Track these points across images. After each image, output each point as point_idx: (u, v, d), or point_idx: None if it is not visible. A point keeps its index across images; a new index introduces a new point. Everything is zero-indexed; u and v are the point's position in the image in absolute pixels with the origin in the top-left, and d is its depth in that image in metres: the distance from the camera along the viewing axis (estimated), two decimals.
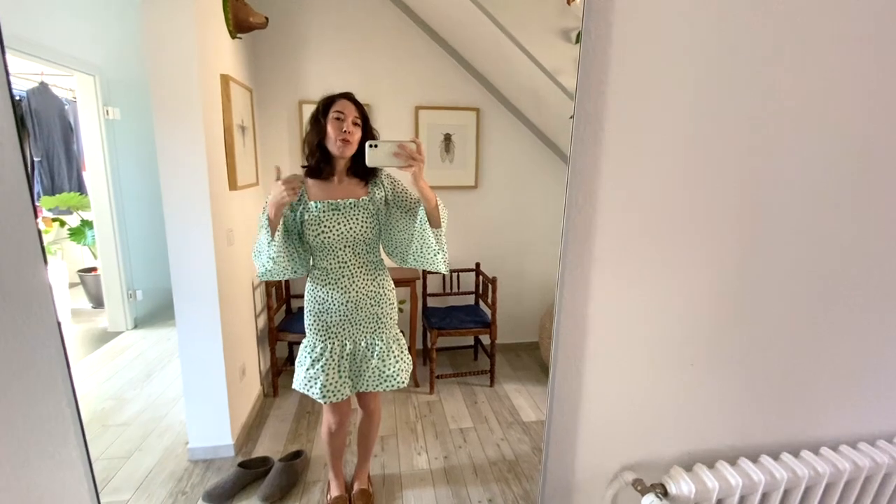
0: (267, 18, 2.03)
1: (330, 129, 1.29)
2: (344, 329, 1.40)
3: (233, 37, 1.95)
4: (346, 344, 1.40)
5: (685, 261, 0.85)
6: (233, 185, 1.91)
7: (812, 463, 0.95)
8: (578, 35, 1.93)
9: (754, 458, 0.95)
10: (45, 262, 0.57)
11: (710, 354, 0.92)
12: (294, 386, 1.42)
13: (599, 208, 0.79)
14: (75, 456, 0.67)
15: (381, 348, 1.43)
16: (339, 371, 1.39)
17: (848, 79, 0.83)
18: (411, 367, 1.50)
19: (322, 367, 1.38)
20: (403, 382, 1.45)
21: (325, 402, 1.39)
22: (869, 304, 0.97)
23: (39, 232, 0.56)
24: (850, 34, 0.81)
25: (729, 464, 0.93)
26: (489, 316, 2.46)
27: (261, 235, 1.28)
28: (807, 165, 0.85)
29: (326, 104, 1.31)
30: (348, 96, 1.32)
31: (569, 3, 2.32)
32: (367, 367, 1.43)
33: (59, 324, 0.60)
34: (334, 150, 1.31)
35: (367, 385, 1.43)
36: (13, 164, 0.56)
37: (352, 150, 1.31)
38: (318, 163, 1.34)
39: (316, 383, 1.38)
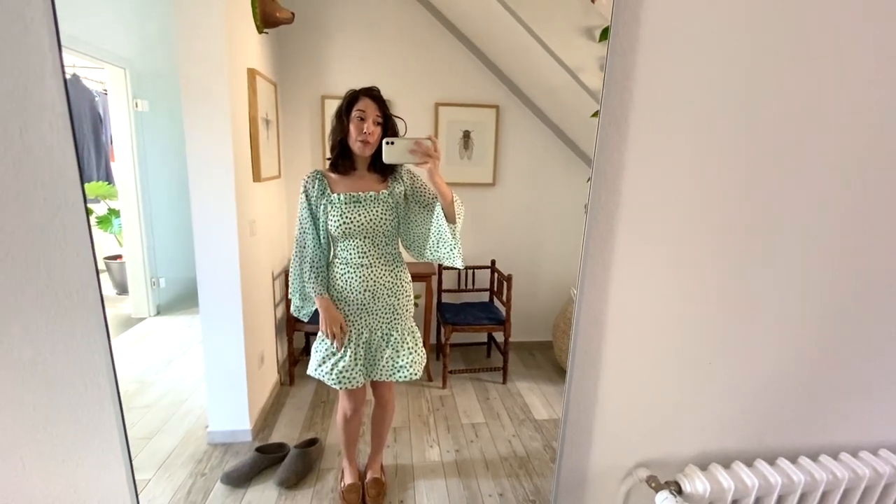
0: (293, 14, 2.06)
1: (352, 128, 1.32)
2: (361, 318, 1.43)
3: (260, 31, 1.99)
4: (362, 332, 1.43)
5: (706, 261, 0.85)
6: (256, 177, 1.95)
7: (831, 467, 0.94)
8: (602, 33, 1.92)
9: (771, 461, 0.95)
10: (92, 241, 0.60)
11: (728, 354, 0.92)
12: (309, 372, 1.45)
13: (622, 205, 0.79)
14: (111, 427, 0.71)
15: (395, 339, 1.46)
16: (354, 358, 1.42)
17: (882, 84, 0.82)
18: (425, 360, 1.53)
19: (338, 354, 1.41)
20: (416, 374, 1.48)
21: (339, 388, 1.43)
22: (893, 307, 0.95)
23: (87, 210, 0.59)
24: (887, 38, 0.80)
25: (745, 465, 0.93)
26: (503, 313, 2.46)
27: (302, 290, 1.47)
28: (835, 168, 0.84)
29: (349, 102, 1.33)
30: (371, 94, 1.34)
31: (592, 0, 2.30)
32: (382, 357, 1.45)
33: (102, 301, 0.63)
34: (355, 149, 1.35)
35: (381, 374, 1.46)
36: (63, 146, 0.59)
37: (372, 149, 1.35)
38: (341, 158, 1.38)
39: (332, 370, 1.41)
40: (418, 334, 1.54)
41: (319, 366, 1.44)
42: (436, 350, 2.76)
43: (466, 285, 2.74)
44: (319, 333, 1.47)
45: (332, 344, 1.42)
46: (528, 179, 2.74)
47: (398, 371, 1.46)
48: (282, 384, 2.38)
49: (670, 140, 0.78)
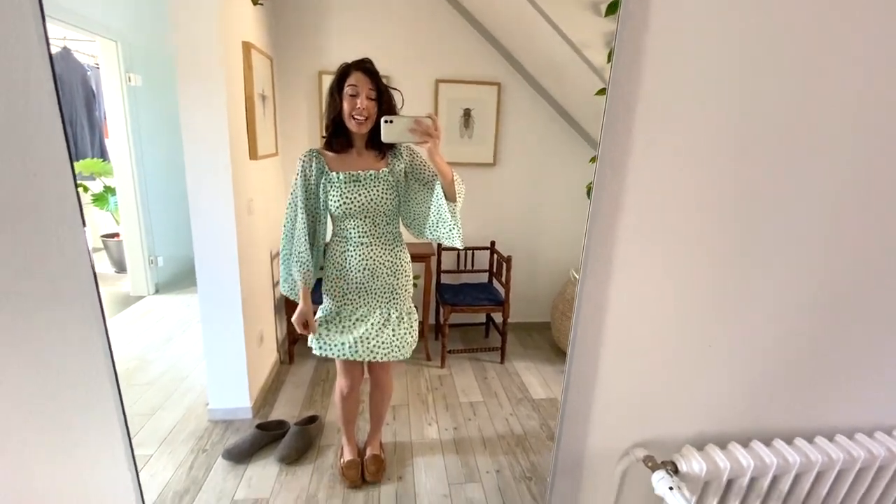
0: None
1: (345, 105, 1.28)
2: (360, 297, 1.42)
3: (254, 3, 1.92)
4: (358, 309, 1.43)
5: (707, 243, 0.84)
6: (253, 154, 1.92)
7: (826, 449, 0.95)
8: (609, 7, 1.86)
9: (767, 442, 0.96)
10: (83, 221, 0.59)
11: (727, 337, 0.91)
12: (309, 343, 1.46)
13: (626, 187, 0.77)
14: (110, 405, 0.71)
15: (394, 318, 1.45)
16: (353, 334, 1.43)
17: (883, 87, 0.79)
18: (416, 342, 1.53)
19: (339, 329, 1.43)
20: (407, 354, 1.49)
21: (340, 357, 1.44)
22: (890, 293, 0.94)
23: (77, 190, 0.58)
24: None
25: (741, 446, 0.94)
26: (502, 294, 2.47)
27: (290, 278, 1.45)
28: (841, 159, 0.83)
29: (341, 77, 1.29)
30: (363, 67, 1.28)
31: None
32: (380, 336, 1.45)
33: (96, 282, 0.62)
34: (350, 127, 1.31)
35: (377, 354, 1.45)
36: (51, 121, 0.57)
37: (368, 126, 1.31)
38: (336, 136, 1.35)
39: (331, 343, 1.43)
40: (415, 315, 1.53)
41: (318, 340, 1.45)
42: (435, 330, 2.78)
43: (466, 266, 2.74)
44: (320, 308, 1.47)
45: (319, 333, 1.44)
46: (529, 159, 2.70)
47: (394, 351, 1.46)
48: (281, 362, 2.40)
49: (680, 122, 0.75)
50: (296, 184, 1.36)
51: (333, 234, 1.43)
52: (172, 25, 1.54)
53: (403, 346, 1.47)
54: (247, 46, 1.80)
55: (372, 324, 1.45)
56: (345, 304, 1.43)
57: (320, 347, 1.44)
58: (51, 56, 0.52)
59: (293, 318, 1.42)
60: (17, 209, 0.59)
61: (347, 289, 1.42)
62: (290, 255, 1.42)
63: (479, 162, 2.65)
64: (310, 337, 1.46)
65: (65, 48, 3.34)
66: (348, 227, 1.38)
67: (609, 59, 1.81)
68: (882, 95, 0.80)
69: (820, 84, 0.78)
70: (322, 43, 2.37)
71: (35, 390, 0.66)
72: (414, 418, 2.01)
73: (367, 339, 1.45)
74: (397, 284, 1.45)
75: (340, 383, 1.56)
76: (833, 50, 0.76)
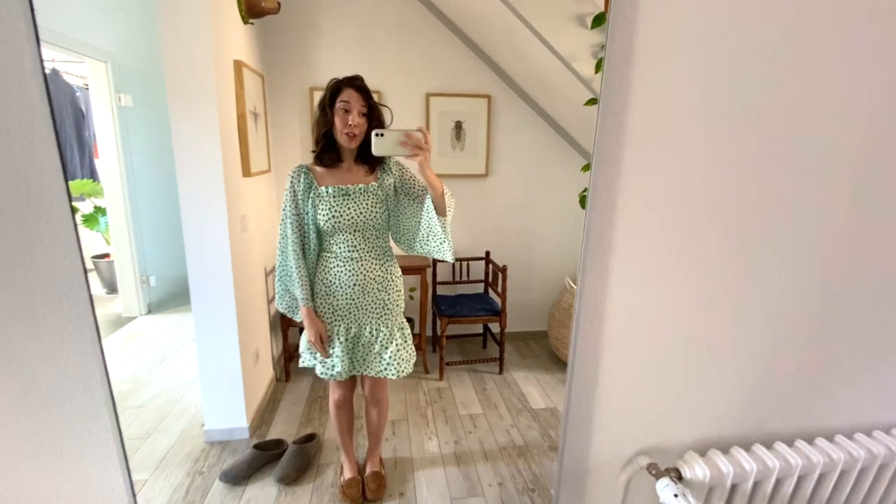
0: (279, 3, 2.02)
1: (337, 120, 1.30)
2: (350, 313, 1.42)
3: (245, 22, 1.94)
4: (350, 327, 1.43)
5: (703, 249, 0.85)
6: (246, 171, 1.92)
7: (826, 450, 0.95)
8: (595, 20, 1.90)
9: (769, 445, 0.96)
10: (79, 242, 0.58)
11: (726, 342, 0.92)
12: (304, 363, 1.45)
13: (621, 196, 0.78)
14: (106, 430, 0.69)
15: (384, 335, 1.44)
16: (342, 352, 1.42)
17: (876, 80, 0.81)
18: (414, 357, 1.51)
19: (330, 352, 1.42)
20: (404, 372, 1.46)
21: (326, 378, 1.44)
22: (885, 295, 0.96)
23: (73, 210, 0.57)
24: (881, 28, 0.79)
25: (744, 450, 0.94)
26: (499, 304, 2.47)
27: (290, 291, 1.45)
28: (832, 164, 0.84)
29: (333, 93, 1.30)
30: (355, 84, 1.30)
31: None
32: (370, 353, 1.45)
33: (91, 303, 0.61)
34: (341, 142, 1.32)
35: (369, 370, 1.45)
36: (46, 145, 0.57)
37: (358, 141, 1.33)
38: (327, 151, 1.36)
39: (319, 360, 1.43)
40: (408, 330, 1.52)
41: (308, 356, 1.45)
42: (432, 342, 2.76)
43: (461, 277, 2.74)
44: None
45: (314, 353, 1.43)
46: (520, 169, 2.72)
47: (385, 369, 1.45)
48: (277, 380, 2.37)
49: (671, 129, 0.77)
50: (286, 200, 1.37)
51: (322, 251, 1.41)
52: (164, 46, 1.55)
53: (398, 364, 1.45)
54: (238, 65, 1.81)
55: (362, 344, 1.45)
56: (335, 322, 1.42)
57: (321, 364, 1.43)
58: (47, 85, 0.52)
59: (309, 339, 1.40)
60: (12, 234, 0.58)
61: (337, 305, 1.41)
62: (286, 272, 1.42)
63: (472, 173, 2.67)
64: (306, 356, 1.45)
65: (53, 70, 3.33)
66: (337, 241, 1.37)
67: (597, 70, 1.85)
68: (882, 96, 0.82)
69: (816, 88, 0.80)
70: (312, 60, 2.39)
71: (28, 416, 0.65)
72: (414, 433, 1.99)
73: (362, 356, 1.46)
74: (388, 300, 1.44)
75: (333, 395, 1.55)
76: (832, 50, 0.79)
